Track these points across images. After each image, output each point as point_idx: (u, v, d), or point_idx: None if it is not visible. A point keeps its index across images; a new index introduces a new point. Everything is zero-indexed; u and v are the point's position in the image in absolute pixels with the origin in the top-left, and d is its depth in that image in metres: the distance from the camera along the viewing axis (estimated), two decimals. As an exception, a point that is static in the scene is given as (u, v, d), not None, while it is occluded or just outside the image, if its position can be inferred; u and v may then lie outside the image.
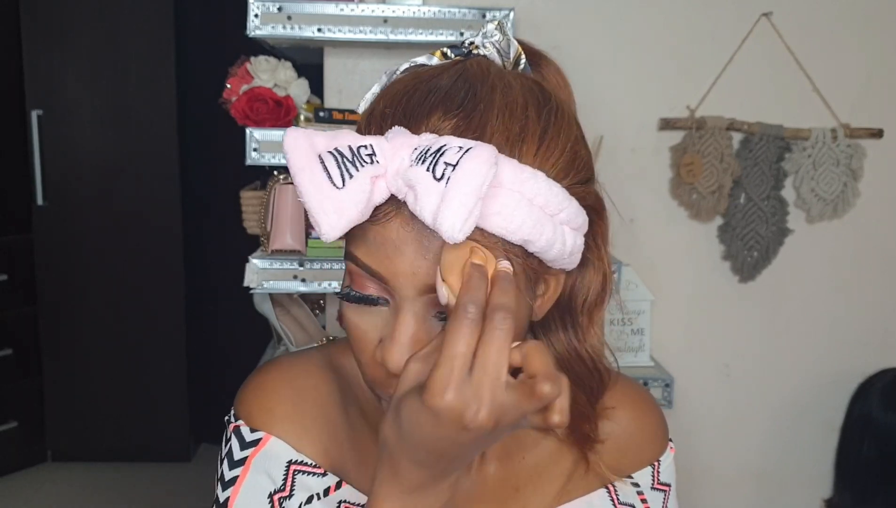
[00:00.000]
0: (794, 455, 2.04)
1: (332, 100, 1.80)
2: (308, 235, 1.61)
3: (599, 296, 0.65)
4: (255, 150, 1.56)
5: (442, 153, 0.50)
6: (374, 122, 0.58)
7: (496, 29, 0.62)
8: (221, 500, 0.67)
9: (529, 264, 0.56)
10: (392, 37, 1.58)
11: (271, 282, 1.56)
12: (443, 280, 0.51)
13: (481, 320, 0.48)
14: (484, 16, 1.59)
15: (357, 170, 0.51)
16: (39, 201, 3.03)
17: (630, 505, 0.73)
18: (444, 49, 0.62)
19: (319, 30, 1.58)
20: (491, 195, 0.51)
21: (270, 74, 1.63)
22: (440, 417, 0.48)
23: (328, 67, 1.79)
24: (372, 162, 0.52)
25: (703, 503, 2.02)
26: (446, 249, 0.52)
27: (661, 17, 1.86)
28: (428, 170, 0.50)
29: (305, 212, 1.68)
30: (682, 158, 1.85)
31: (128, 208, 3.09)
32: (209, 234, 3.24)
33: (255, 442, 0.66)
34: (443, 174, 0.50)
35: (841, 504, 2.01)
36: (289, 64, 1.66)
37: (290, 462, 0.66)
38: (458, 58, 0.62)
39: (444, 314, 0.55)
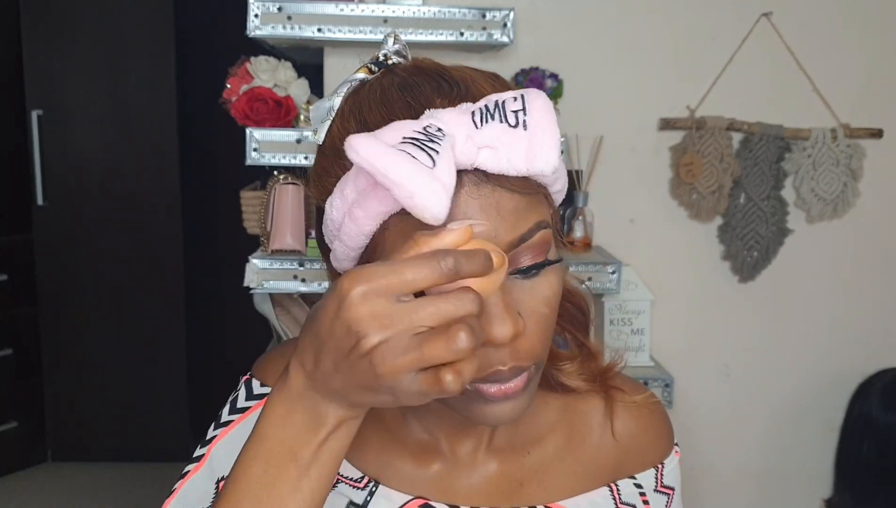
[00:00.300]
0: (794, 455, 2.04)
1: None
2: (308, 235, 1.61)
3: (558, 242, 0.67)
4: (255, 150, 1.56)
5: (504, 104, 0.53)
6: (365, 129, 0.56)
7: (393, 42, 0.63)
8: (208, 437, 0.69)
9: (556, 211, 0.60)
10: (392, 37, 1.58)
11: (271, 282, 1.56)
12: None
13: (445, 281, 0.47)
14: (484, 16, 1.59)
15: (440, 144, 0.51)
16: (39, 200, 3.03)
17: (632, 505, 0.73)
18: (368, 65, 0.63)
19: (319, 30, 1.58)
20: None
21: (270, 74, 1.63)
22: (341, 304, 0.46)
23: (328, 67, 1.79)
24: (444, 135, 0.52)
25: (703, 502, 2.02)
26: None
27: (661, 17, 1.86)
28: (502, 122, 0.52)
29: (306, 212, 1.69)
30: (682, 158, 1.85)
31: (128, 207, 3.09)
32: (209, 234, 3.24)
33: (262, 396, 0.68)
34: (517, 120, 0.52)
35: (841, 504, 2.01)
36: (289, 64, 1.66)
37: None
38: (383, 70, 0.63)
39: (518, 270, 0.56)
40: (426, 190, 0.49)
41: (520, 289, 0.57)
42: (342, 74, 1.79)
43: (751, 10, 1.85)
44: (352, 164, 0.55)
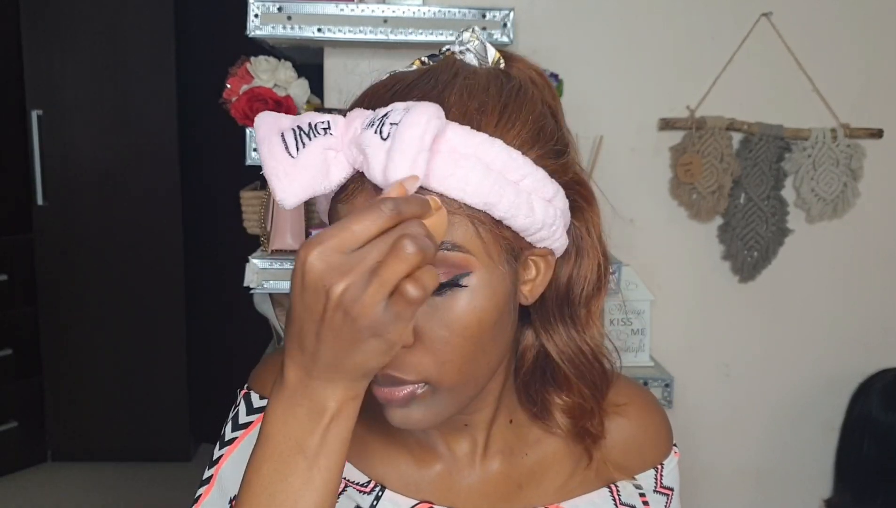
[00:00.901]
0: (794, 455, 2.04)
1: (332, 100, 1.80)
2: (308, 235, 1.61)
3: (596, 286, 0.66)
4: (255, 150, 1.56)
5: (387, 116, 0.53)
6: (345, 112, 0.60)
7: (472, 36, 0.64)
8: (215, 457, 0.69)
9: (502, 235, 0.58)
10: (392, 37, 1.58)
11: (271, 282, 1.57)
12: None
13: (388, 223, 0.48)
14: (484, 16, 1.59)
15: (310, 140, 0.55)
16: (39, 200, 3.03)
17: (631, 506, 0.73)
18: (422, 57, 0.65)
19: (319, 30, 1.58)
20: (447, 160, 0.54)
21: (270, 74, 1.63)
22: (304, 273, 0.48)
23: (328, 67, 1.80)
24: (325, 134, 0.55)
25: (702, 502, 2.02)
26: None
27: (661, 17, 1.86)
28: (376, 132, 0.53)
29: (306, 212, 1.69)
30: (682, 158, 1.85)
31: (128, 207, 3.10)
32: (209, 234, 3.24)
33: (262, 409, 0.68)
34: (388, 134, 0.52)
35: (841, 504, 2.01)
36: (289, 64, 1.66)
37: None
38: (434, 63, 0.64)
39: None
40: (272, 173, 0.54)
41: (424, 306, 0.55)
42: (342, 74, 1.79)
43: (751, 10, 1.85)
44: None
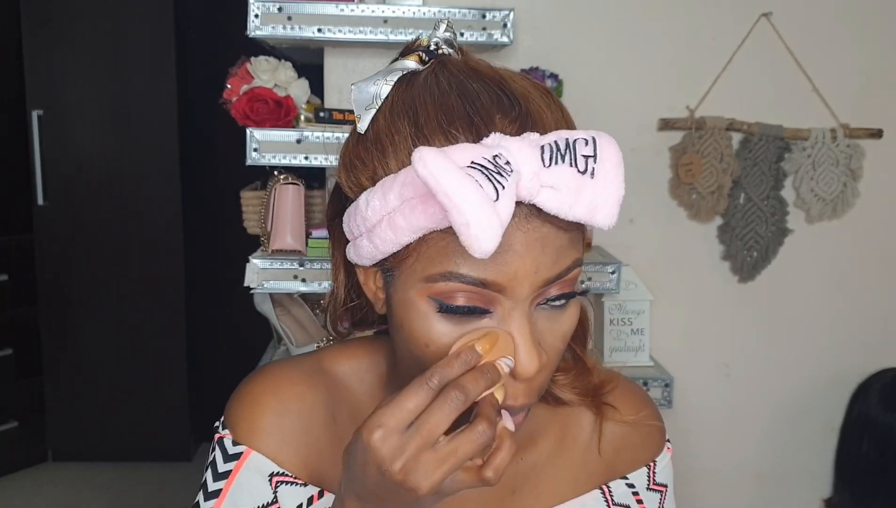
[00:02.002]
0: (794, 455, 2.04)
1: (332, 100, 1.80)
2: (308, 235, 1.61)
3: None
4: (255, 150, 1.57)
5: (575, 146, 0.52)
6: (431, 132, 0.56)
7: (445, 29, 0.63)
8: None
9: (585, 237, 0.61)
10: (392, 37, 1.58)
11: (271, 282, 1.57)
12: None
13: (436, 392, 0.52)
14: (484, 16, 1.59)
15: (507, 179, 0.51)
16: (40, 200, 3.03)
17: (625, 506, 0.73)
18: (420, 53, 0.62)
19: (319, 30, 1.58)
20: None
21: (271, 75, 1.63)
22: (367, 452, 0.52)
23: (328, 67, 1.80)
24: (510, 169, 0.51)
25: (702, 502, 2.02)
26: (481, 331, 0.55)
27: (661, 17, 1.86)
28: (571, 166, 0.52)
29: (306, 212, 1.68)
30: (682, 158, 1.85)
31: (128, 207, 3.09)
32: (209, 234, 3.24)
33: (237, 455, 0.67)
34: (587, 167, 0.52)
35: (840, 504, 2.01)
36: (289, 64, 1.66)
37: (272, 474, 0.67)
38: (432, 60, 0.62)
39: (543, 302, 0.57)
40: (484, 223, 0.49)
41: (544, 321, 0.58)
42: (342, 75, 1.79)
43: (750, 10, 1.85)
44: (396, 164, 0.55)
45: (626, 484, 0.74)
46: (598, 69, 1.86)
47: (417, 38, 0.63)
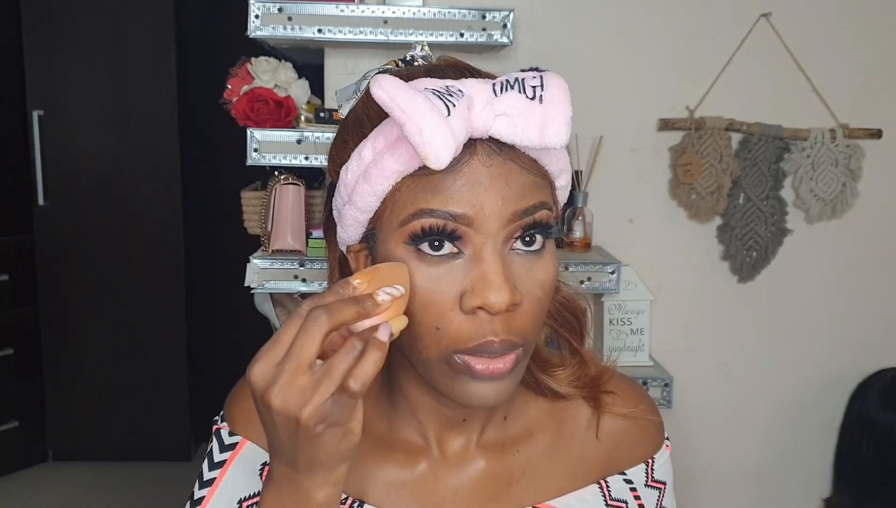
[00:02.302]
0: (793, 455, 2.04)
1: (332, 100, 1.80)
2: (308, 235, 1.62)
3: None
4: (255, 150, 1.57)
5: (524, 80, 0.57)
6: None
7: (421, 49, 0.68)
8: (196, 497, 0.71)
9: (558, 205, 0.64)
10: (392, 38, 1.59)
11: (272, 282, 1.57)
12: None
13: (314, 326, 0.52)
14: (484, 16, 1.59)
15: (458, 99, 0.55)
16: (40, 200, 3.04)
17: (623, 502, 0.73)
18: (395, 60, 0.68)
19: (320, 31, 1.58)
20: None
21: (271, 75, 1.63)
22: (252, 389, 0.52)
23: (328, 67, 1.80)
24: (462, 95, 0.56)
25: (701, 502, 2.03)
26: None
27: (661, 17, 1.86)
28: (520, 93, 0.56)
29: (306, 212, 1.69)
30: (682, 158, 1.86)
31: (128, 208, 3.10)
32: (209, 234, 3.25)
33: (233, 446, 0.70)
34: (535, 94, 0.56)
35: (840, 504, 2.01)
36: (289, 65, 1.66)
37: (264, 464, 0.69)
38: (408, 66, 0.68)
39: (520, 245, 0.59)
40: (435, 130, 0.53)
41: (519, 266, 0.59)
42: (342, 75, 1.79)
43: (750, 10, 1.86)
44: (370, 130, 0.59)
45: (624, 480, 0.74)
46: (598, 69, 1.86)
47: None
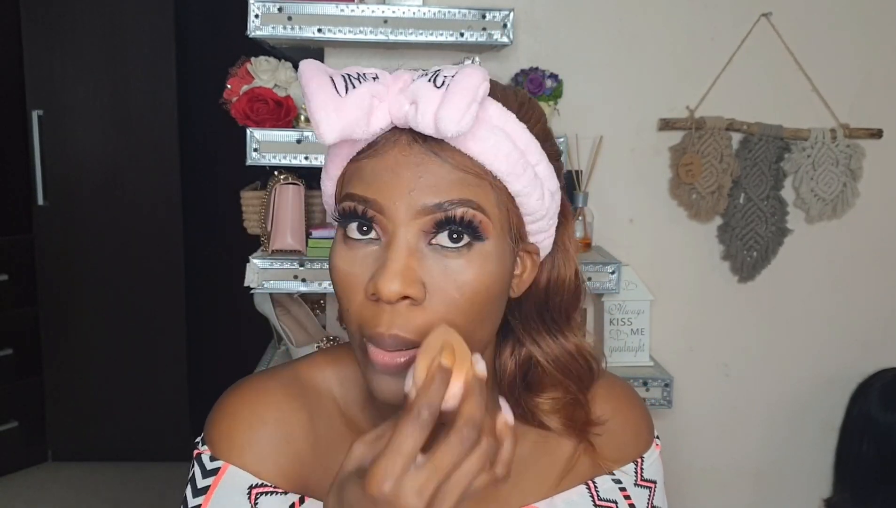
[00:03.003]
0: (793, 455, 2.04)
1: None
2: (308, 235, 1.61)
3: (574, 295, 0.70)
4: (255, 150, 1.57)
5: (440, 71, 0.57)
6: None
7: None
8: None
9: (514, 212, 0.61)
10: (392, 38, 1.58)
11: (271, 282, 1.57)
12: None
13: (431, 423, 0.50)
14: (484, 16, 1.59)
15: (360, 83, 0.57)
16: (40, 200, 3.04)
17: (612, 502, 0.73)
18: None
19: (320, 30, 1.58)
20: (480, 125, 0.57)
21: (271, 75, 1.63)
22: (377, 505, 0.49)
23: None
24: (374, 81, 0.58)
25: (701, 502, 2.02)
26: (425, 341, 0.54)
27: (661, 17, 1.86)
28: (429, 81, 0.56)
29: (306, 212, 1.69)
30: (682, 158, 1.85)
31: (128, 207, 3.10)
32: (209, 234, 3.25)
33: (215, 471, 0.67)
34: (443, 82, 0.56)
35: (840, 504, 2.01)
36: (289, 64, 1.66)
37: (251, 487, 0.66)
38: None
39: (436, 246, 0.58)
40: (319, 105, 0.56)
41: (434, 263, 0.58)
42: (342, 75, 1.79)
43: (750, 10, 1.86)
44: None
45: (613, 480, 0.73)
46: (598, 69, 1.86)
47: None
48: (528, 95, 0.67)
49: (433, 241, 0.58)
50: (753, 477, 2.05)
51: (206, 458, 0.69)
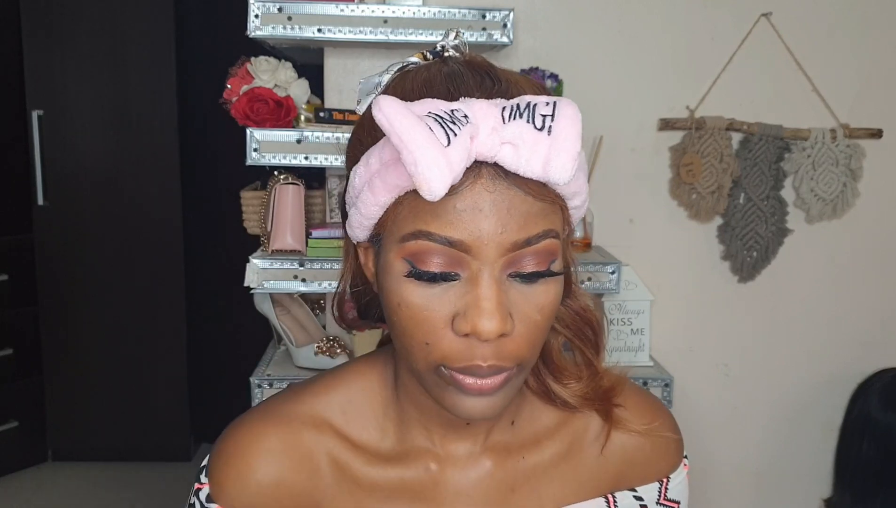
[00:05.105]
0: (794, 455, 2.04)
1: (332, 100, 1.80)
2: (308, 235, 1.61)
3: (572, 260, 0.69)
4: (255, 150, 1.57)
5: (535, 107, 0.54)
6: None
7: (454, 38, 0.65)
8: None
9: (567, 223, 0.62)
10: (392, 37, 1.58)
11: (271, 282, 1.57)
12: None
13: None
14: (484, 16, 1.59)
15: (459, 128, 0.53)
16: (40, 200, 3.03)
17: None
18: (424, 52, 0.65)
19: (319, 30, 1.58)
20: None
21: (271, 75, 1.63)
22: None
23: (328, 67, 1.80)
24: (467, 122, 0.54)
25: (702, 502, 2.02)
26: None
27: (661, 17, 1.86)
28: (528, 122, 0.53)
29: (306, 212, 1.69)
30: (682, 158, 1.85)
31: (128, 207, 3.09)
32: (209, 234, 3.24)
33: None
34: (543, 124, 0.53)
35: (840, 504, 2.01)
36: (289, 64, 1.66)
37: None
38: (436, 59, 0.65)
39: (516, 274, 0.57)
40: (431, 163, 0.51)
41: (517, 292, 0.58)
42: (342, 75, 1.79)
43: (750, 10, 1.86)
44: (383, 136, 0.57)
45: (634, 497, 0.73)
46: (598, 69, 1.86)
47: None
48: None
49: (511, 273, 0.58)
50: (753, 477, 2.05)
51: (203, 496, 0.69)
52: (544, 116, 0.54)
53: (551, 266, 0.58)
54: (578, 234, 1.77)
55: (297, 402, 0.70)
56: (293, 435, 0.68)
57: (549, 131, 0.53)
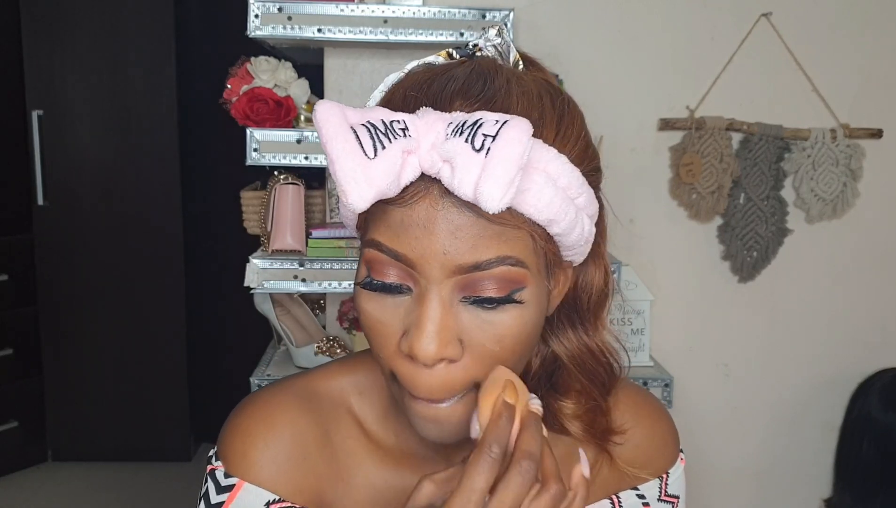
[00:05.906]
0: (794, 455, 2.04)
1: (332, 100, 1.80)
2: (308, 235, 1.61)
3: (603, 293, 0.67)
4: (255, 150, 1.57)
5: (479, 126, 0.50)
6: (395, 107, 0.57)
7: (497, 34, 0.62)
8: None
9: (550, 250, 0.57)
10: (392, 37, 1.58)
11: (271, 282, 1.57)
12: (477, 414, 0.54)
13: (503, 459, 0.50)
14: (484, 16, 1.59)
15: (390, 141, 0.51)
16: (40, 200, 3.03)
17: None
18: (450, 50, 0.63)
19: (319, 30, 1.58)
20: (523, 175, 0.51)
21: (271, 75, 1.63)
22: None
23: (328, 67, 1.80)
24: (405, 136, 0.52)
25: (702, 502, 2.02)
26: (485, 384, 0.54)
27: (661, 17, 1.86)
28: (467, 141, 0.50)
29: (306, 212, 1.69)
30: (682, 158, 1.85)
31: (128, 207, 3.10)
32: (209, 234, 3.24)
33: (230, 487, 0.66)
34: (482, 145, 0.49)
35: (840, 504, 2.01)
36: (289, 64, 1.66)
37: (267, 504, 0.65)
38: (463, 58, 0.63)
39: (471, 298, 0.54)
40: (348, 174, 0.50)
41: (471, 317, 0.55)
42: (342, 75, 1.79)
43: (750, 10, 1.86)
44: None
45: (637, 495, 0.73)
46: (598, 69, 1.86)
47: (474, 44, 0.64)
48: (567, 100, 0.60)
49: (465, 297, 0.55)
50: (753, 477, 2.05)
51: (220, 474, 0.66)
52: (486, 135, 0.50)
53: (515, 295, 0.55)
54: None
55: (311, 381, 0.70)
56: (310, 409, 0.68)
57: (487, 153, 0.49)
